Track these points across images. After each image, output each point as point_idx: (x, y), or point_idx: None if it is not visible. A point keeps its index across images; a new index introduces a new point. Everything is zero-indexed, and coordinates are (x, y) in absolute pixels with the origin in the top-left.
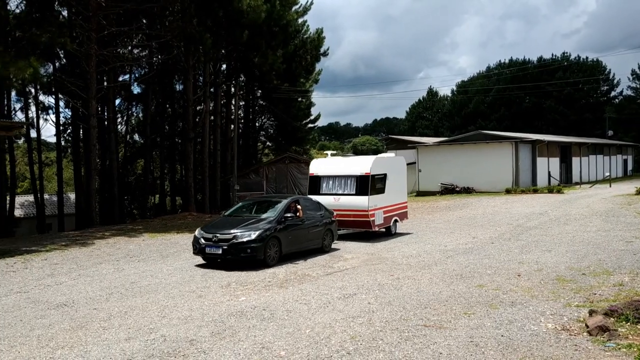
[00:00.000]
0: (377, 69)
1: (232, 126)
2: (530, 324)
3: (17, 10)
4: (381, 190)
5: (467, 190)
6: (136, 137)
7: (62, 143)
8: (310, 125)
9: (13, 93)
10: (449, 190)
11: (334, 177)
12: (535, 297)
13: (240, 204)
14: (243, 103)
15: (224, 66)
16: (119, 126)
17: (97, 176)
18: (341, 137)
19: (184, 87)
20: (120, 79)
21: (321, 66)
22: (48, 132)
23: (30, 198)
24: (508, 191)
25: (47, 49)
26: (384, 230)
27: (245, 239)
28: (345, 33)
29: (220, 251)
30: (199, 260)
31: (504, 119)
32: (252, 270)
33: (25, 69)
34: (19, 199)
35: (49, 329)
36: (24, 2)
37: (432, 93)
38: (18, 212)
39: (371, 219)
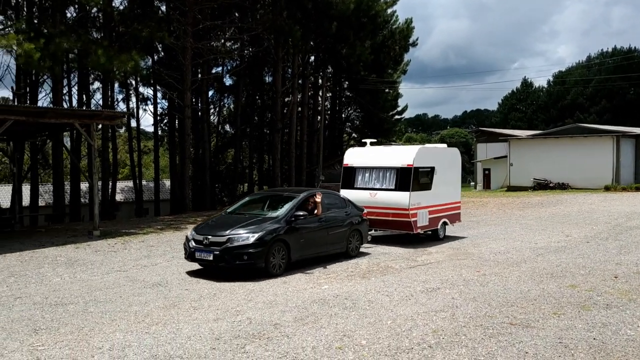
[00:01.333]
0: (469, 58)
1: (319, 117)
2: (626, 328)
3: (121, 7)
4: (427, 186)
5: (562, 187)
6: (227, 127)
7: (159, 132)
8: (396, 116)
9: (116, 85)
10: (542, 185)
11: (370, 169)
12: (633, 300)
13: (247, 198)
14: (330, 94)
15: (312, 58)
16: (211, 117)
17: (191, 164)
18: (429, 129)
19: (273, 79)
20: (213, 71)
21: (410, 56)
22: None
23: (130, 184)
24: (607, 188)
25: (147, 43)
26: (429, 233)
27: (241, 243)
28: (436, 22)
29: (211, 257)
30: None
31: (605, 112)
32: (335, 262)
33: (127, 62)
34: (119, 185)
35: (145, 306)
36: None
37: (526, 84)
38: (119, 197)
39: (412, 219)
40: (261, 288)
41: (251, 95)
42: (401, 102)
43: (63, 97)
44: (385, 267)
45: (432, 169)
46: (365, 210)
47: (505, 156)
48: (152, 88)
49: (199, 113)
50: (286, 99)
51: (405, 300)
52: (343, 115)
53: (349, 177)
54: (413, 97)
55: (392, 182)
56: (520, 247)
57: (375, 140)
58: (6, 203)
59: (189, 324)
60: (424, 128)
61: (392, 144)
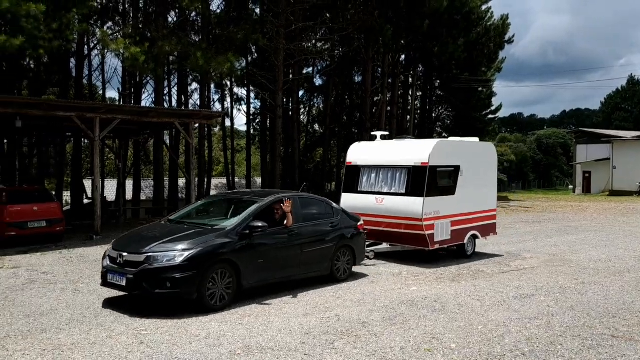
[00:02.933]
0: (569, 55)
1: (408, 117)
2: None
3: (218, 11)
4: (449, 191)
5: None
6: (316, 126)
7: (251, 131)
8: (490, 116)
9: (212, 86)
10: None
11: (378, 169)
12: None
13: (199, 202)
14: (420, 93)
15: (403, 57)
16: (301, 116)
17: (281, 162)
18: (524, 129)
19: (362, 78)
20: (304, 71)
21: (505, 54)
22: (240, 121)
23: (223, 181)
24: None
25: (242, 45)
26: (453, 248)
27: (165, 264)
28: (534, 17)
29: (124, 281)
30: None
31: None
32: (423, 263)
33: (223, 64)
34: (214, 181)
35: (238, 299)
36: (224, 2)
37: (633, 82)
38: (213, 193)
39: (427, 232)
40: (349, 287)
41: (340, 94)
42: (495, 101)
43: (164, 97)
44: (476, 272)
45: (457, 168)
46: (362, 221)
47: (608, 158)
48: (245, 89)
49: (290, 113)
50: (375, 99)
51: (497, 305)
52: (433, 115)
53: (352, 178)
54: (508, 96)
55: (403, 184)
56: (623, 256)
57: (387, 133)
58: (111, 197)
59: (279, 317)
60: (519, 128)
61: (407, 138)
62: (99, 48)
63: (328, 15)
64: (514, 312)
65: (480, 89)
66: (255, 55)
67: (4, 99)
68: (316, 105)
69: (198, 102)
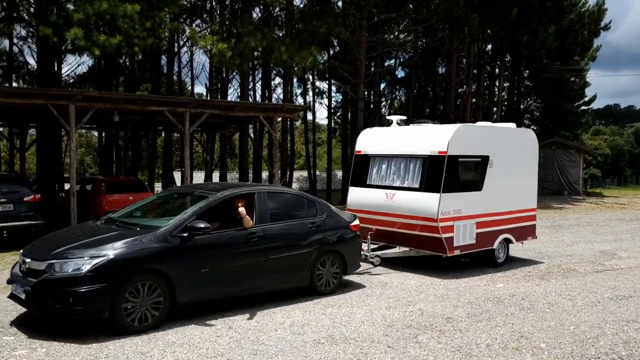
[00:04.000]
0: None
1: (495, 109)
2: None
3: (301, 5)
4: (473, 185)
5: None
6: None
7: (332, 125)
8: (583, 107)
9: (294, 80)
10: None
11: (389, 159)
12: None
13: (150, 198)
14: (507, 84)
15: (489, 46)
16: (382, 109)
17: None
18: (621, 122)
19: (447, 70)
20: (386, 64)
21: (600, 41)
22: (321, 114)
23: (304, 173)
24: None
25: (324, 38)
26: (474, 253)
27: (69, 274)
28: (633, 1)
29: (23, 294)
30: None
31: None
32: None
33: (306, 58)
34: (295, 174)
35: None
36: None
37: None
38: (295, 185)
39: (444, 235)
40: (432, 282)
41: (423, 86)
42: (589, 92)
43: (248, 92)
44: (567, 270)
45: (485, 159)
46: (357, 221)
47: None
48: (327, 82)
49: (371, 106)
50: (459, 90)
51: (590, 306)
52: (521, 106)
53: (361, 169)
54: (603, 86)
55: (417, 177)
56: None
57: (405, 117)
58: None
59: (362, 309)
60: (615, 120)
61: (426, 122)
62: (188, 45)
63: (411, 6)
64: (610, 313)
65: (572, 79)
66: (337, 48)
67: (104, 95)
68: (398, 97)
69: (281, 96)
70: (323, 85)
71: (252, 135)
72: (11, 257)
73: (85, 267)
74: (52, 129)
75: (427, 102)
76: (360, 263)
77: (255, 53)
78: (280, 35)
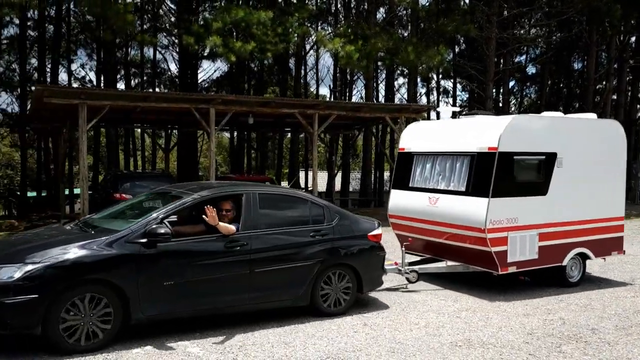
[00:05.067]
0: None
1: (639, 106)
2: None
3: (426, 4)
4: (535, 189)
5: None
6: None
7: None
8: None
9: (418, 79)
10: None
11: (434, 157)
12: None
13: (139, 198)
14: None
15: (632, 39)
16: (511, 108)
17: None
18: None
19: (585, 65)
20: (516, 60)
21: None
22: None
23: None
24: None
25: (451, 36)
26: (537, 270)
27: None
28: None
29: None
30: None
31: None
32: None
33: (434, 57)
34: None
35: (456, 290)
36: None
37: None
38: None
39: (493, 248)
40: (572, 290)
41: (556, 83)
42: None
43: (373, 93)
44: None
45: (550, 157)
46: (378, 230)
47: None
48: (451, 81)
49: (500, 104)
50: (598, 87)
51: None
52: None
53: (404, 169)
54: None
55: (463, 179)
56: None
57: (459, 109)
58: (322, 187)
59: (498, 314)
60: None
61: (481, 114)
62: (314, 48)
63: None
64: None
65: None
66: (463, 45)
67: (241, 99)
68: (528, 95)
69: (405, 96)
70: (448, 84)
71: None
72: None
73: (17, 275)
74: (191, 131)
75: (560, 100)
76: (383, 279)
77: (380, 54)
78: (405, 35)
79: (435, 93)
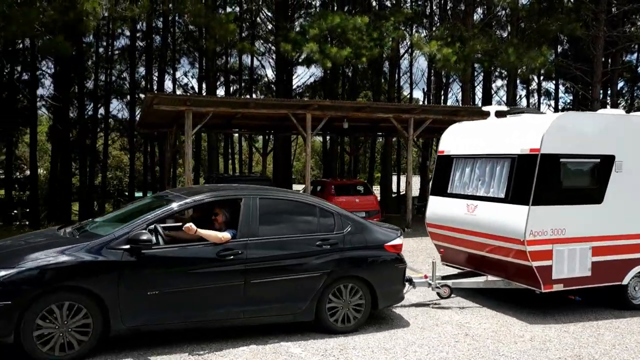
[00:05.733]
0: None
1: None
2: None
3: (526, 3)
4: (587, 196)
5: None
6: None
7: None
8: None
9: (517, 81)
10: None
11: (474, 160)
12: None
13: (144, 201)
14: None
15: None
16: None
17: None
18: None
19: None
20: (625, 59)
21: None
22: None
23: None
24: None
25: (554, 36)
26: (590, 289)
27: None
28: None
29: None
30: None
31: None
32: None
33: (536, 59)
34: None
35: (558, 305)
36: None
37: None
38: None
39: (534, 262)
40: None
41: None
42: None
43: (469, 96)
44: None
45: (607, 160)
46: (399, 240)
47: None
48: (553, 82)
49: (608, 106)
50: None
51: None
52: None
53: (443, 174)
54: None
55: (503, 184)
56: None
57: (505, 108)
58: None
59: (610, 331)
60: None
61: (527, 112)
62: (409, 52)
63: None
64: None
65: None
66: (566, 45)
67: (336, 104)
68: (639, 97)
69: (503, 99)
70: (549, 85)
71: None
72: None
73: None
74: (286, 135)
75: None
76: (405, 295)
77: (478, 56)
78: (504, 36)
79: (536, 95)
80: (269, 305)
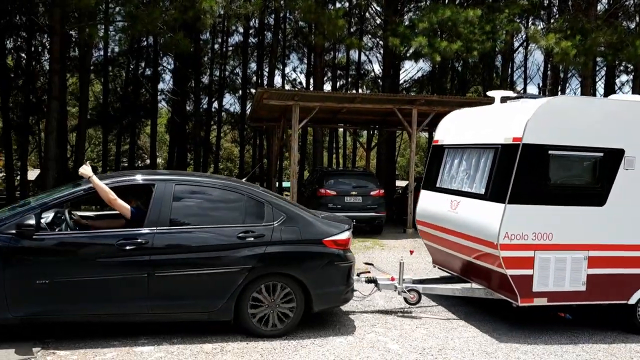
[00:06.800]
0: None
1: None
2: None
3: None
4: (585, 197)
5: None
6: None
7: None
8: None
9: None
10: None
11: (462, 151)
12: None
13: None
14: None
15: None
16: None
17: None
18: None
19: None
20: None
21: None
22: None
23: None
24: None
25: None
26: (584, 306)
27: None
28: None
29: None
30: None
31: None
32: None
33: None
34: None
35: None
36: None
37: None
38: None
39: (509, 271)
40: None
41: None
42: None
43: (590, 91)
44: None
45: (614, 155)
46: (345, 235)
47: None
48: None
49: None
50: None
51: None
52: None
53: (435, 166)
54: None
55: (485, 178)
56: None
57: (511, 94)
58: None
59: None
60: None
61: (525, 97)
62: (524, 45)
63: None
64: None
65: None
66: None
67: (444, 99)
68: None
69: (629, 93)
70: None
71: None
72: (358, 242)
73: None
74: (391, 131)
75: None
76: (348, 296)
77: (600, 49)
78: (632, 27)
79: None
80: (178, 301)
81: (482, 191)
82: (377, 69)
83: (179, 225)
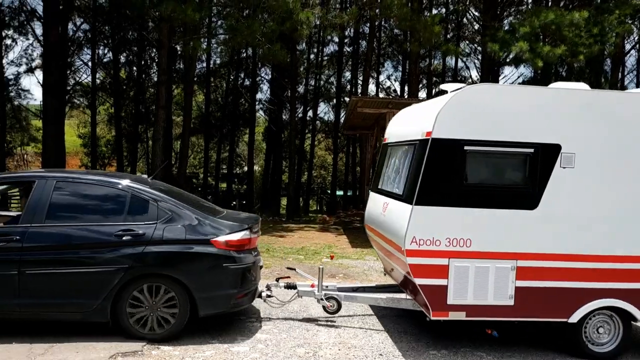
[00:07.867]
0: None
1: None
2: None
3: None
4: (514, 199)
5: None
6: None
7: None
8: None
9: None
10: None
11: (397, 148)
12: None
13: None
14: None
15: None
16: None
17: None
18: None
19: None
20: None
21: None
22: None
23: None
24: None
25: None
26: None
27: None
28: None
29: None
30: None
31: None
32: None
33: None
34: None
35: None
36: None
37: None
38: None
39: (418, 280)
40: None
41: None
42: None
43: None
44: None
45: (548, 150)
46: (241, 235)
47: None
48: None
49: None
50: None
51: None
52: None
53: (379, 166)
54: None
55: (402, 178)
56: None
57: (463, 85)
58: None
59: None
60: None
61: (457, 88)
62: (636, 48)
63: None
64: None
65: None
66: None
67: None
68: None
69: None
70: None
71: None
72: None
73: None
74: None
75: None
76: (241, 302)
77: None
78: None
79: None
80: (49, 300)
81: (400, 192)
82: (474, 75)
83: (55, 222)
